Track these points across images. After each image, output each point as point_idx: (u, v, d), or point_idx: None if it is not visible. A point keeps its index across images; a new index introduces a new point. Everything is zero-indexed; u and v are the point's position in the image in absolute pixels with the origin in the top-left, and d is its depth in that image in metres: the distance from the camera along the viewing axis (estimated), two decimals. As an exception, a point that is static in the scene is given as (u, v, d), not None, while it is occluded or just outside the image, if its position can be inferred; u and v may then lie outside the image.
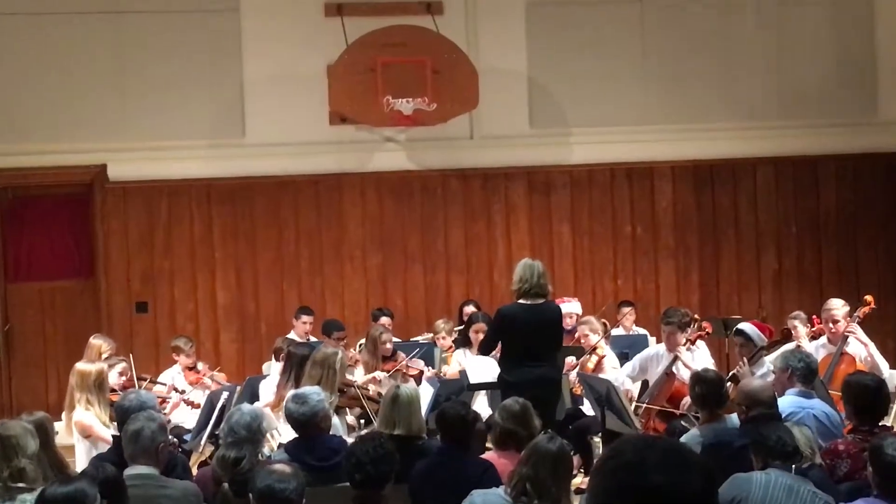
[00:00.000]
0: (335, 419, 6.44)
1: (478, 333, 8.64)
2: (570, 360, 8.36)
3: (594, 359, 8.35)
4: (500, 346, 7.58)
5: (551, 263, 11.10)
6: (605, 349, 8.47)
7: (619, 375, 8.16)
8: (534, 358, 7.23)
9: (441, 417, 5.64)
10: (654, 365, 8.13)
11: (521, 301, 7.27)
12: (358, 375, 8.65)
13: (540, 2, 11.43)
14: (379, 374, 8.46)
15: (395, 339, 9.24)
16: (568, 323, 8.84)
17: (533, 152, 11.65)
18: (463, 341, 9.17)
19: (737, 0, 11.83)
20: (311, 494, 4.57)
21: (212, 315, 11.26)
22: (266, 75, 11.05)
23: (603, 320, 9.13)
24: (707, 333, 8.33)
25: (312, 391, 5.88)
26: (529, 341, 7.23)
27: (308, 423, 5.79)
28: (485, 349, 7.75)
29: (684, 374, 7.66)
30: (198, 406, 7.76)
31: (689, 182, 11.92)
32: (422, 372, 8.63)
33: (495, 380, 7.51)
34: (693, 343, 8.11)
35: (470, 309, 10.03)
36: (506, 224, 11.68)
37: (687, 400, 7.21)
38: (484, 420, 6.40)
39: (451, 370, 8.70)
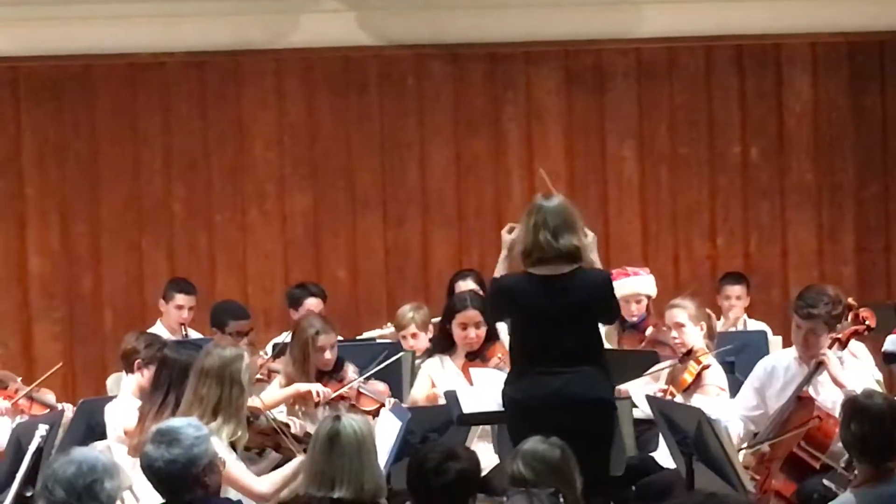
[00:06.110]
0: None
1: (466, 329, 7.63)
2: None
3: (692, 369, 7.45)
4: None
5: (603, 208, 10.25)
6: (710, 357, 7.63)
7: (730, 411, 7.07)
8: (553, 360, 6.29)
9: (412, 470, 5.23)
10: (776, 384, 6.97)
11: (531, 271, 6.49)
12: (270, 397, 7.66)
13: None
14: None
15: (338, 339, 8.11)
16: (634, 311, 8.13)
17: (574, 17, 10.40)
18: (441, 343, 7.96)
19: None
20: None
21: (18, 294, 10.26)
22: None
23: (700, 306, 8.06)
24: (868, 329, 7.16)
25: (185, 424, 5.04)
26: (546, 332, 6.39)
27: (179, 479, 4.88)
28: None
29: (829, 399, 6.77)
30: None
31: (842, 71, 10.48)
32: (382, 404, 7.66)
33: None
34: (845, 345, 7.00)
35: (467, 285, 8.81)
36: (526, 140, 10.43)
37: (835, 442, 6.33)
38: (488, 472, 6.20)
39: (419, 392, 7.75)
